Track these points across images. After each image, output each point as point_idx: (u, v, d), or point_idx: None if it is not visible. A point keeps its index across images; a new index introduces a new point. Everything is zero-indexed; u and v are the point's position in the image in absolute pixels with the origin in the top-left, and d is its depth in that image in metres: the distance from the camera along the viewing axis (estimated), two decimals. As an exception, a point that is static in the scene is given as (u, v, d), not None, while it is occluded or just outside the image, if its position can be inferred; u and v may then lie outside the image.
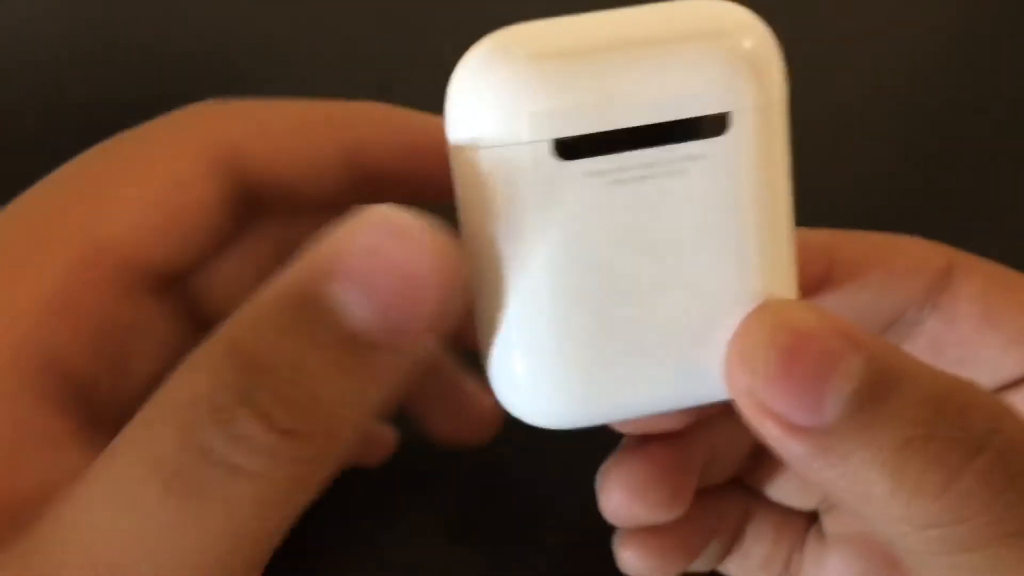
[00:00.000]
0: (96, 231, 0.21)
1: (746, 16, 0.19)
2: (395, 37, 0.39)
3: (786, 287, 0.20)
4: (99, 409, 0.20)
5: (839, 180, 0.36)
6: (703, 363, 0.19)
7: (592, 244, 0.19)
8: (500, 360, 0.20)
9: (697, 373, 0.20)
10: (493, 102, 0.19)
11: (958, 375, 0.18)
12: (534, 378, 0.20)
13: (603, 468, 0.24)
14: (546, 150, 0.18)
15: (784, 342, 0.18)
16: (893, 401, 0.17)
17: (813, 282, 0.23)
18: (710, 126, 0.19)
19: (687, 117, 0.19)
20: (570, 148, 0.19)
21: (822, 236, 0.24)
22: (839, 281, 0.24)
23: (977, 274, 0.23)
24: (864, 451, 0.17)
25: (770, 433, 0.18)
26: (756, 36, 0.19)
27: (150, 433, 0.16)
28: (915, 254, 0.24)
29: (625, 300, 0.19)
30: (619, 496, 0.23)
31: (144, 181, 0.22)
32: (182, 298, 0.23)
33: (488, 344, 0.20)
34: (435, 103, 0.19)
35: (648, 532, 0.25)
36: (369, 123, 0.24)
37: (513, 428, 0.21)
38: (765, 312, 0.19)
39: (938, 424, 0.17)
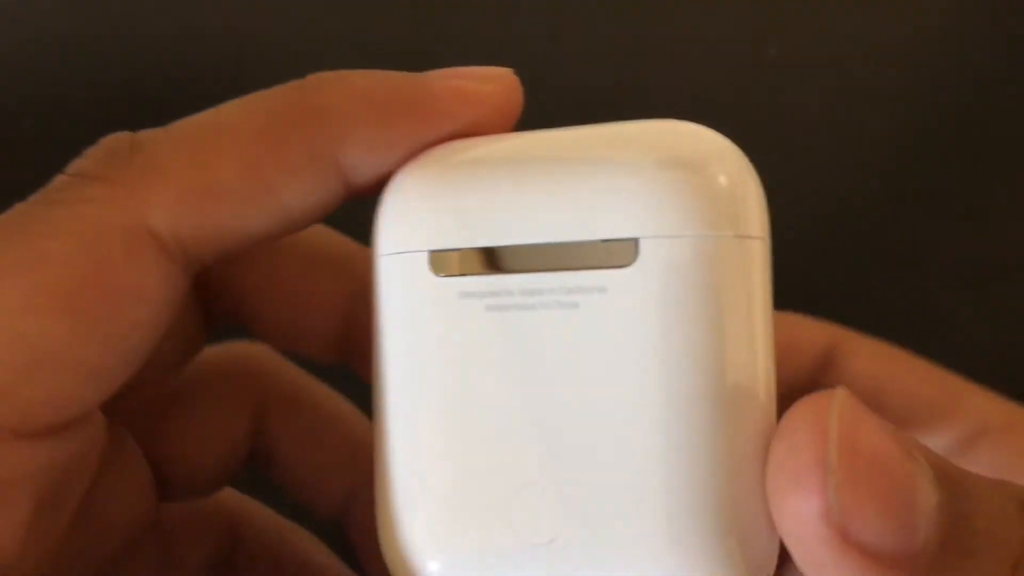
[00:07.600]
0: None
1: (716, 139, 0.16)
2: (396, 39, 0.39)
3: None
4: None
5: (835, 178, 0.35)
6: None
7: (467, 376, 0.17)
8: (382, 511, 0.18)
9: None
10: (388, 209, 0.18)
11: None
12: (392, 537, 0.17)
13: None
14: (424, 263, 0.17)
15: (858, 458, 0.14)
16: (980, 517, 0.15)
17: None
18: (614, 255, 0.16)
19: (577, 240, 0.16)
20: (451, 264, 0.17)
21: None
22: None
23: (863, 350, 0.23)
24: None
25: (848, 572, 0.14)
26: (715, 157, 0.16)
27: None
28: (796, 333, 0.23)
29: (501, 456, 0.17)
30: None
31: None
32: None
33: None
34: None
35: None
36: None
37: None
38: (820, 414, 0.15)
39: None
